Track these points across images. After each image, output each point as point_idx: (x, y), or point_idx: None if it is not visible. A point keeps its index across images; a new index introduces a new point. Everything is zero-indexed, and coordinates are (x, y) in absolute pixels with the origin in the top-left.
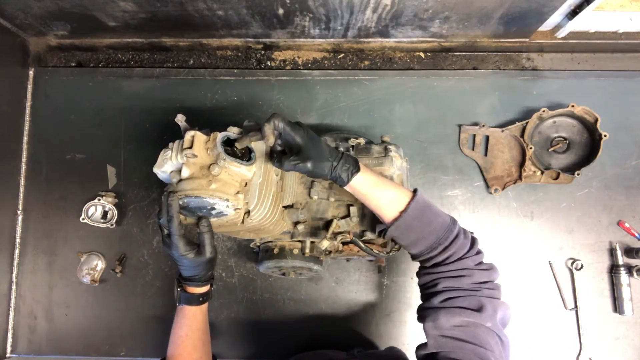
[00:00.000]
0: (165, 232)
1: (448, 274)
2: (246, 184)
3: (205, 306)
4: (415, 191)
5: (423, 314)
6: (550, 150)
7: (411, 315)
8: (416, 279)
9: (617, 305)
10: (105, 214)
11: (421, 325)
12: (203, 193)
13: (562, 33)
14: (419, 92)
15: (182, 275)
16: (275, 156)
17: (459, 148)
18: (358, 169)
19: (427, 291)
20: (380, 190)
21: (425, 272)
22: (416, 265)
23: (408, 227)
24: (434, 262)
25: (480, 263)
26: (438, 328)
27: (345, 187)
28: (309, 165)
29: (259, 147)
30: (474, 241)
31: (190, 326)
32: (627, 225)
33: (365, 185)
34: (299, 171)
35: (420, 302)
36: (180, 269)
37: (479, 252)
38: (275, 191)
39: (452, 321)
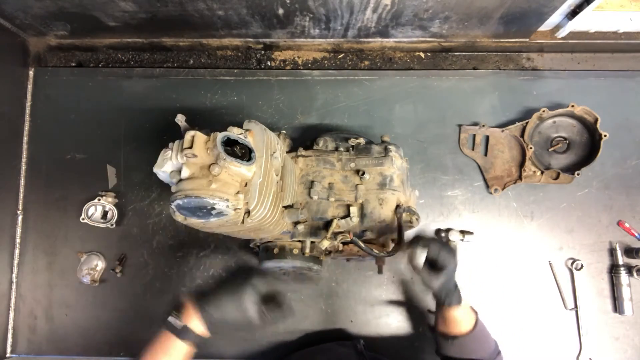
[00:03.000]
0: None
1: None
2: (246, 184)
3: None
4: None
5: None
6: (550, 150)
7: (411, 316)
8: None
9: (617, 305)
10: (105, 214)
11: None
12: (203, 193)
13: (562, 33)
14: (419, 92)
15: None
16: (413, 256)
17: (459, 148)
18: (460, 302)
19: None
20: (464, 315)
21: None
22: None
23: (473, 341)
24: None
25: None
26: None
27: (444, 309)
28: (436, 284)
29: (259, 146)
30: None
31: None
32: (627, 225)
33: (459, 314)
34: (425, 280)
35: None
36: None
37: None
38: (275, 191)
39: None
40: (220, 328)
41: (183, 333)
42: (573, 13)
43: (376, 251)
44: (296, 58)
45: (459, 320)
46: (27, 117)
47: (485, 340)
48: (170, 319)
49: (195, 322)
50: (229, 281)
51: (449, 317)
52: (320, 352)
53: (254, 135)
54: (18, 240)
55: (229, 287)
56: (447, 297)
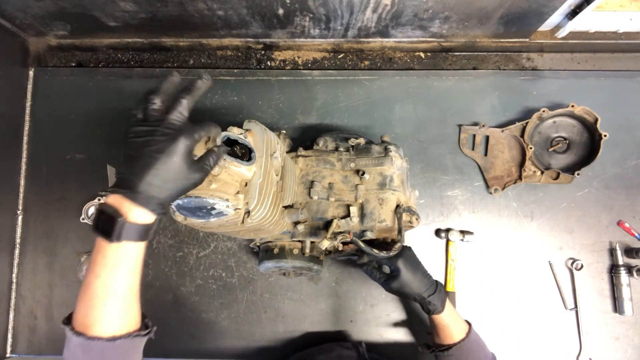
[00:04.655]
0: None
1: None
2: (246, 184)
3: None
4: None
5: None
6: (550, 150)
7: (411, 316)
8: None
9: (617, 305)
10: None
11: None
12: (203, 193)
13: (562, 33)
14: (419, 92)
15: (139, 189)
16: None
17: (459, 148)
18: (444, 307)
19: None
20: (454, 322)
21: None
22: None
23: (469, 350)
24: None
25: None
26: None
27: (431, 317)
28: (406, 290)
29: (259, 146)
30: None
31: (135, 274)
32: (627, 225)
33: (448, 320)
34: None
35: None
36: (148, 176)
37: None
38: (275, 191)
39: None
40: None
41: (137, 232)
42: (573, 13)
43: (376, 251)
44: (296, 58)
45: (450, 326)
46: (27, 117)
47: (482, 351)
48: (101, 223)
49: None
50: None
51: (438, 324)
52: (322, 352)
53: (254, 135)
54: (18, 240)
55: None
56: (427, 304)
